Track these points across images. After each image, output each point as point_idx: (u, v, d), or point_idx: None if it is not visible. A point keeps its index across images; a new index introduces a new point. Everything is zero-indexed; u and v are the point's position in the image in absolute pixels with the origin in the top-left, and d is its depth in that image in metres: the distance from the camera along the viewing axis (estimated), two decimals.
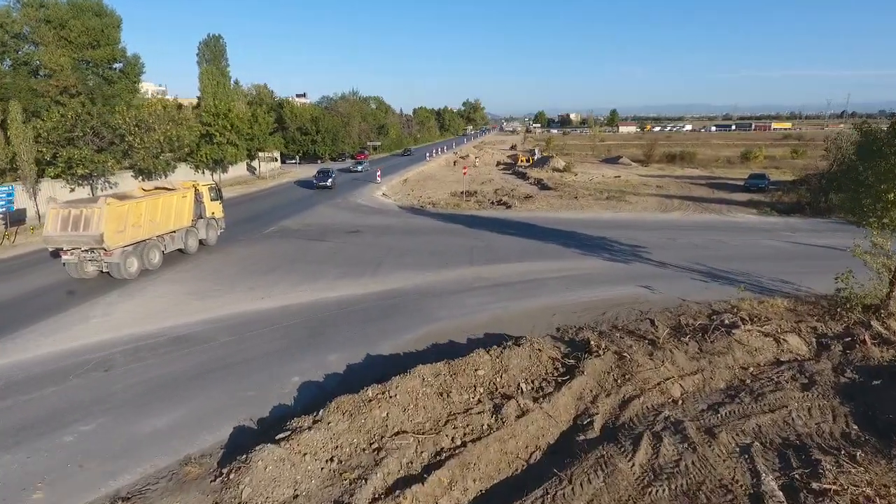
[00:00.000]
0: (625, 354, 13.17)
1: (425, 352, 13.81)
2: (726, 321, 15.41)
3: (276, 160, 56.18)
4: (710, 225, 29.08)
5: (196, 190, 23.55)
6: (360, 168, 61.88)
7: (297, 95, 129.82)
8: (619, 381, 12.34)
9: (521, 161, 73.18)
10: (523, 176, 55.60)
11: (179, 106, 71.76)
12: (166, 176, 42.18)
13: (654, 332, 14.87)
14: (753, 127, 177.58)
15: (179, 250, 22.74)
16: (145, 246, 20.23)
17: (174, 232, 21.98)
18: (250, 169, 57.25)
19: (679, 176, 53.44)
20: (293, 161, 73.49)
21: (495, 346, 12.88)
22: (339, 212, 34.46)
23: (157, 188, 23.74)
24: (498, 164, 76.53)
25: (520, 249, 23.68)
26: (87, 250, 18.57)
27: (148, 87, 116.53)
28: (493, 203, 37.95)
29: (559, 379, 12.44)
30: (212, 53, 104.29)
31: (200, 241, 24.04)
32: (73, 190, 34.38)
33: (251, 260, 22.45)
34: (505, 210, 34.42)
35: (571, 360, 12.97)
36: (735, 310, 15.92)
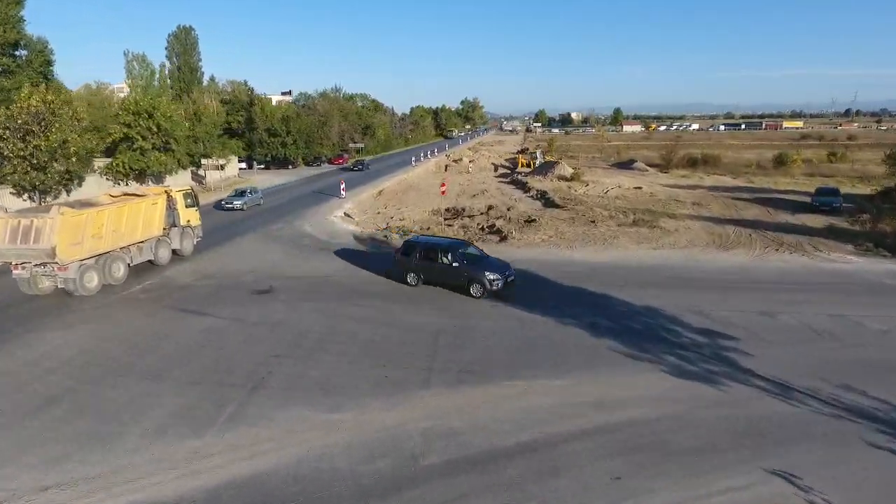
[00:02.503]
0: None
1: None
2: None
3: (222, 168, 46.14)
4: (806, 277, 19.13)
5: (169, 196, 21.47)
6: (237, 204, 34.51)
7: (283, 93, 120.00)
8: None
9: (522, 165, 63.24)
10: (523, 186, 45.64)
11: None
12: (69, 193, 32.48)
13: None
14: (764, 126, 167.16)
15: (150, 261, 20.56)
16: (108, 258, 18.18)
17: (142, 242, 19.97)
18: (198, 179, 47.37)
19: (712, 187, 43.43)
20: (261, 167, 63.81)
21: None
22: (267, 246, 24.57)
23: (125, 194, 21.04)
24: (495, 168, 66.73)
25: (517, 341, 13.77)
26: (39, 265, 16.55)
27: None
28: (483, 230, 28.01)
29: None
30: (182, 47, 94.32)
31: (174, 251, 21.83)
32: None
33: (40, 369, 12.47)
34: (498, 245, 24.41)
35: None
36: None
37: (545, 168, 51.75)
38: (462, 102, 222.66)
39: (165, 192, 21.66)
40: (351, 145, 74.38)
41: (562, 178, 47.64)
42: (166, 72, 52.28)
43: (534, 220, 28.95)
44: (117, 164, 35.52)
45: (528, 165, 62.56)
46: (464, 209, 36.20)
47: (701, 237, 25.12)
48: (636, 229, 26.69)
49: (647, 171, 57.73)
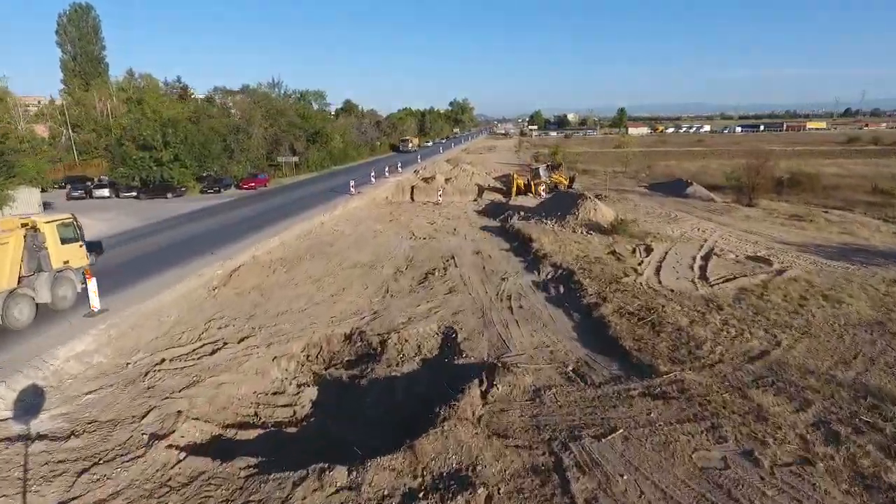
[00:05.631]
0: None
1: None
2: None
3: None
4: None
5: (32, 230, 14.91)
6: None
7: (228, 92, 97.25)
8: None
9: (519, 187, 41.38)
10: (525, 245, 23.42)
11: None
12: None
13: None
14: (785, 127, 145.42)
15: None
16: None
17: None
18: None
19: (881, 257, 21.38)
20: (130, 194, 41.59)
21: None
22: None
23: None
24: (480, 192, 44.96)
25: None
26: None
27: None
28: None
29: None
30: (77, 31, 71.87)
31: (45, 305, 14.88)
32: None
33: None
34: None
35: None
36: None
37: (560, 204, 29.32)
38: (451, 104, 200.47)
39: (25, 224, 14.95)
40: (281, 159, 51.91)
41: (594, 226, 25.46)
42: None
43: None
44: None
45: (528, 189, 40.75)
46: (383, 345, 14.11)
47: None
48: None
49: (714, 200, 35.84)
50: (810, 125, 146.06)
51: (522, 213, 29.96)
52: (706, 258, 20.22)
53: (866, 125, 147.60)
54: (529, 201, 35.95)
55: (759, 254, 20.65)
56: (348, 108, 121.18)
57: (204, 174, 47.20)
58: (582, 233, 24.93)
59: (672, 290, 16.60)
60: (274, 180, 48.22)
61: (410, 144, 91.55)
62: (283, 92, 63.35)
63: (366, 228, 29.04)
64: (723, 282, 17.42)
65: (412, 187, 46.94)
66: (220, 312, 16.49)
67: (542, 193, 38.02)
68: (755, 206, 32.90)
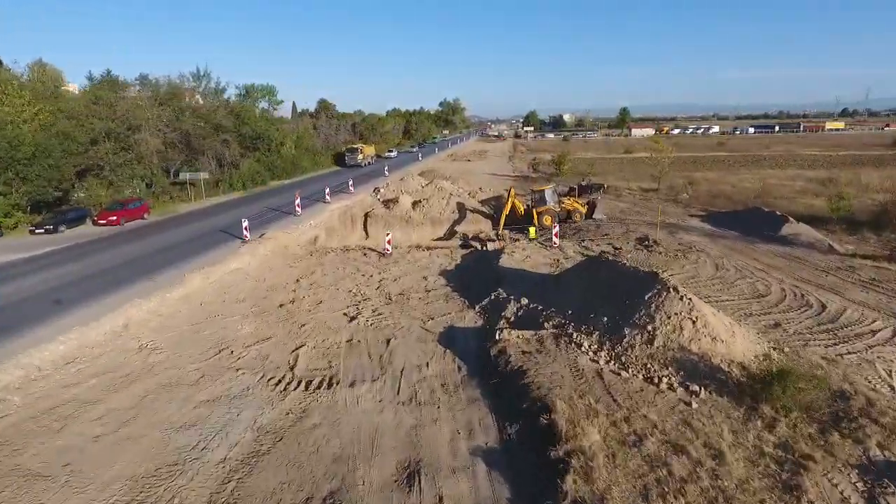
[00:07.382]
0: None
1: None
2: None
3: None
4: None
5: None
6: None
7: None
8: None
9: (515, 207, 26.95)
10: (537, 444, 8.68)
11: None
12: None
13: None
14: (803, 128, 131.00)
15: None
16: None
17: None
18: None
19: None
20: None
21: None
22: None
23: None
24: (459, 217, 30.65)
25: None
26: None
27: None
28: None
29: None
30: None
31: None
32: None
33: None
34: None
35: None
36: None
37: (603, 289, 14.25)
38: (441, 104, 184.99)
39: None
40: (185, 177, 36.63)
41: (693, 366, 10.52)
42: None
43: None
44: None
45: (528, 216, 26.13)
46: None
47: None
48: None
49: (836, 250, 21.14)
50: (829, 125, 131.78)
51: (526, 302, 15.01)
52: None
53: (887, 125, 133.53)
54: (536, 256, 21.09)
55: None
56: (323, 107, 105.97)
57: (69, 201, 32.18)
58: (671, 385, 10.07)
59: None
60: (166, 206, 33.03)
61: (360, 156, 61.03)
62: (212, 85, 48.19)
63: (207, 342, 14.03)
64: None
65: (366, 216, 32.08)
66: None
67: (555, 239, 23.15)
68: None
